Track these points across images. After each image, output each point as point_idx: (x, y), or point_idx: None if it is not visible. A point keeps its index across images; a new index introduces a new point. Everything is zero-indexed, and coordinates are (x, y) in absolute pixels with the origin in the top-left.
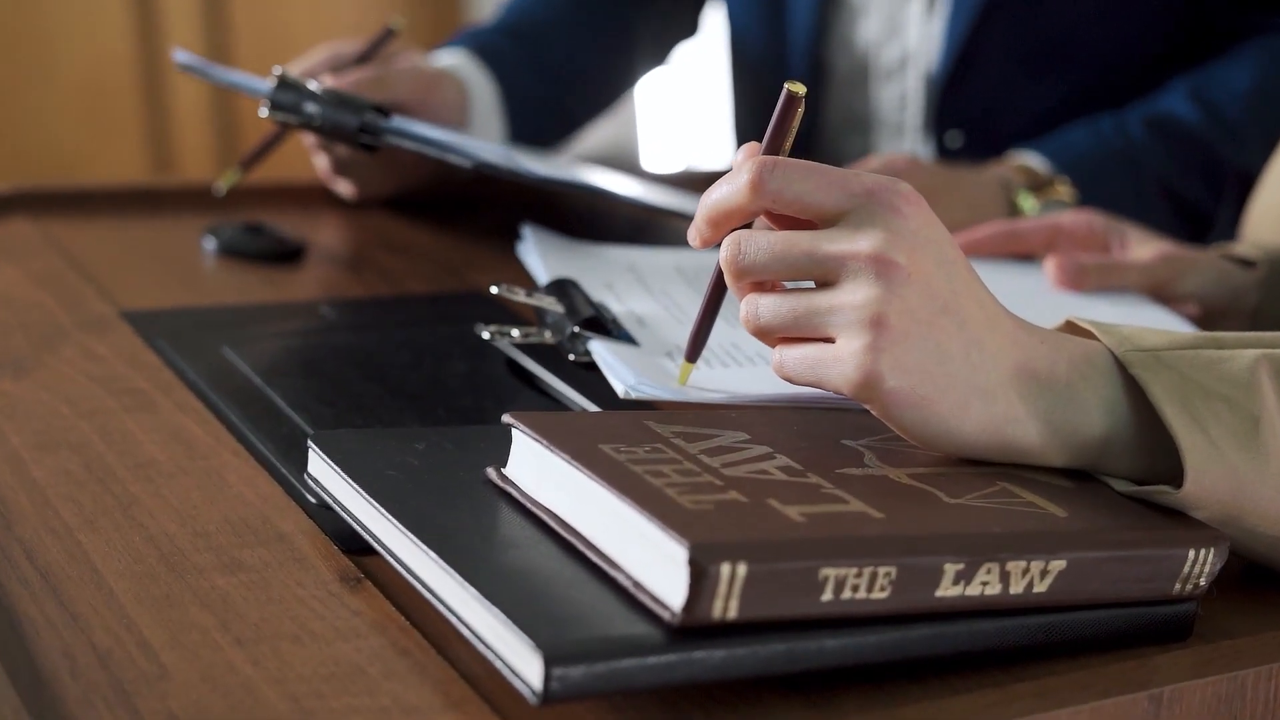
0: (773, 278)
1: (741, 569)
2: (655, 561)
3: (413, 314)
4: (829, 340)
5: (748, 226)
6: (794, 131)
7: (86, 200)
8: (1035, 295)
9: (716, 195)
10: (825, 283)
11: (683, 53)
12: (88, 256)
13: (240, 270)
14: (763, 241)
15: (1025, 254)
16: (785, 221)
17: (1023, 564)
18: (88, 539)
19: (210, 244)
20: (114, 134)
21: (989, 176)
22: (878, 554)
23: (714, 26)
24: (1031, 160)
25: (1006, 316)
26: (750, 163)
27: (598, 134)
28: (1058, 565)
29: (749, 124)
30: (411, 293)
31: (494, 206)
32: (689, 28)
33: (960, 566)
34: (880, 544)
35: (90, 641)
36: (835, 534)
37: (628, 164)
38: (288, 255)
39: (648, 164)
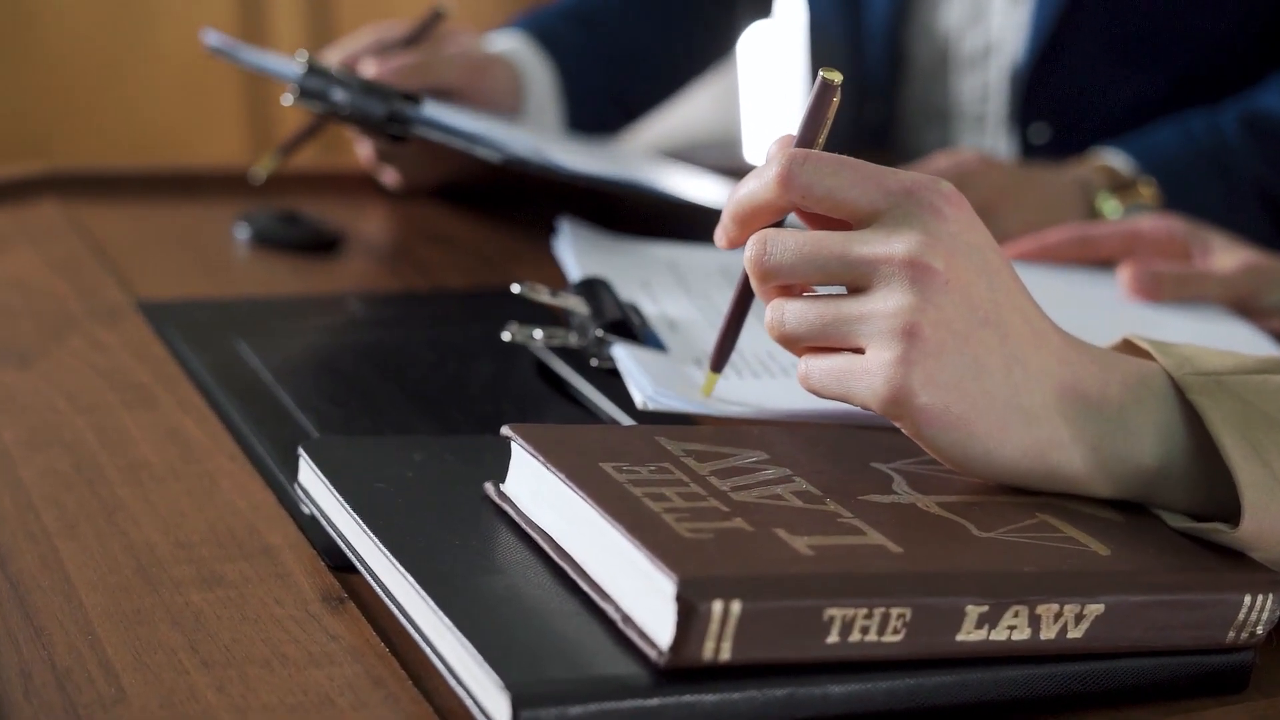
0: (800, 281)
1: (735, 607)
2: (645, 594)
3: (444, 310)
4: (858, 351)
5: (779, 225)
6: (829, 122)
7: (118, 184)
8: (1107, 305)
9: (744, 190)
10: (857, 288)
11: (783, 37)
12: (112, 243)
13: (271, 260)
14: (790, 241)
15: (1100, 260)
16: (818, 221)
17: (1055, 607)
18: (65, 546)
19: (243, 232)
20: (216, 118)
21: (1067, 177)
22: (890, 593)
23: (792, 13)
24: (1114, 160)
25: (1054, 332)
26: (780, 156)
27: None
28: (1095, 609)
29: None
30: (447, 288)
31: (544, 198)
32: (761, 11)
33: (984, 609)
34: (894, 582)
35: (50, 659)
36: (844, 570)
37: (729, 150)
38: (323, 245)
39: (750, 152)
